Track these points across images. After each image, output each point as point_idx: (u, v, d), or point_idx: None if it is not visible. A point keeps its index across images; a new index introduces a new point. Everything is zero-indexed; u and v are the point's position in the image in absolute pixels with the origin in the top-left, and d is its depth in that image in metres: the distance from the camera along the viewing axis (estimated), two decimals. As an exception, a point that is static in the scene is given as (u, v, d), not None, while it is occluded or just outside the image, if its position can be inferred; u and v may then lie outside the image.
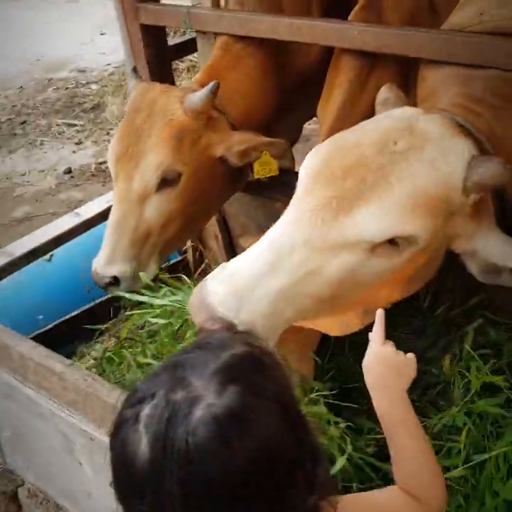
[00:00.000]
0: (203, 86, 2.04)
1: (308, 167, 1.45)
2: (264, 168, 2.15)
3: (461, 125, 1.49)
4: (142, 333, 2.13)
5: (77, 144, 5.55)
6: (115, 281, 2.05)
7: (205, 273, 2.36)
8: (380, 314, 1.33)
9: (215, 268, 1.42)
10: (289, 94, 2.41)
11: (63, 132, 5.78)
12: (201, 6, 2.37)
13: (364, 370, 1.28)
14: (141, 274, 2.03)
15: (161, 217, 2.06)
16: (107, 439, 0.98)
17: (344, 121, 1.96)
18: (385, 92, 1.60)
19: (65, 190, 4.88)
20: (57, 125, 5.89)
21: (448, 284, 2.13)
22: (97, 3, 9.52)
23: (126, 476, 0.93)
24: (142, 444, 0.89)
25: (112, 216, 2.07)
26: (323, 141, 1.59)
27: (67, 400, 1.64)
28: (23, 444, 2.21)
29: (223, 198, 2.35)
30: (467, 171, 1.36)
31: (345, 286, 1.39)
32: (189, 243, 2.96)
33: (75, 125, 5.89)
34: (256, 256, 1.37)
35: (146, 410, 0.90)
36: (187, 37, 2.83)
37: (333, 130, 1.91)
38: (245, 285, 1.33)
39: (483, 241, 1.48)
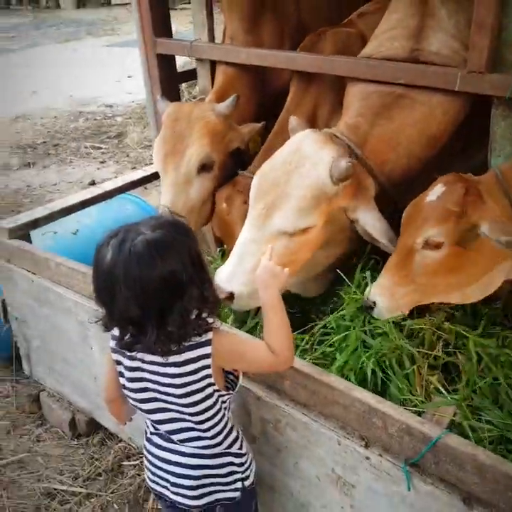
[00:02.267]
0: (217, 101, 2.81)
1: (252, 187, 2.22)
2: (255, 145, 2.89)
3: (337, 136, 2.22)
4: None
5: (101, 162, 6.45)
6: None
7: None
8: (269, 247, 1.87)
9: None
10: (267, 106, 3.22)
11: (90, 153, 6.70)
12: (200, 40, 3.24)
13: (256, 276, 1.78)
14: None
15: (202, 195, 2.71)
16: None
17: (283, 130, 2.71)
18: (291, 122, 2.33)
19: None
20: (85, 147, 6.82)
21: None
22: (127, 50, 10.73)
23: (99, 275, 1.52)
24: (108, 254, 1.50)
25: (163, 198, 2.66)
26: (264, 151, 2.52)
27: (89, 292, 2.34)
28: (46, 353, 2.93)
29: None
30: (330, 170, 2.05)
31: (285, 259, 2.11)
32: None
33: (101, 148, 6.82)
34: (234, 252, 2.16)
35: (112, 241, 1.54)
36: (191, 67, 3.70)
37: (270, 141, 2.73)
38: (231, 269, 2.12)
39: (363, 214, 2.19)
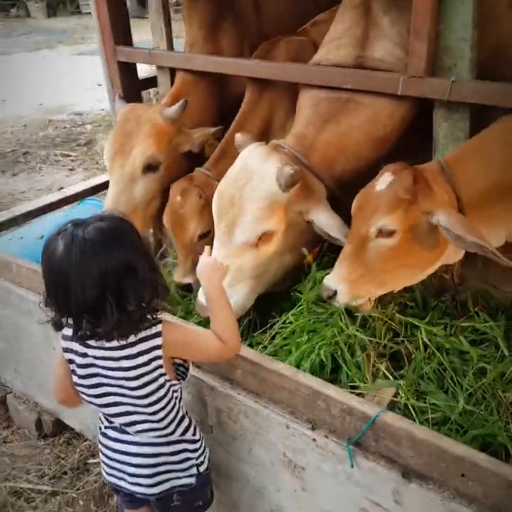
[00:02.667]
0: (172, 105, 2.87)
1: (212, 207, 2.34)
2: (211, 148, 2.98)
3: (282, 146, 2.35)
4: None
5: (70, 170, 6.49)
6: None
7: (162, 256, 3.17)
8: (207, 247, 2.01)
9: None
10: (226, 109, 3.31)
11: (59, 161, 6.72)
12: (158, 48, 3.32)
13: (198, 271, 1.88)
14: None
15: (146, 195, 2.80)
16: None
17: (241, 129, 2.79)
18: (238, 139, 2.44)
19: (58, 205, 5.76)
20: (55, 155, 6.85)
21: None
22: (97, 59, 10.72)
23: (51, 267, 1.55)
24: (60, 245, 1.53)
25: (108, 195, 2.76)
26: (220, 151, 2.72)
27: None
28: (12, 355, 2.97)
29: None
30: (276, 179, 2.18)
31: (258, 268, 2.28)
32: (151, 231, 3.80)
33: (70, 155, 6.85)
34: None
35: (62, 233, 1.58)
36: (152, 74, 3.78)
37: (226, 141, 2.82)
38: None
39: (316, 215, 2.30)
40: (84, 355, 1.72)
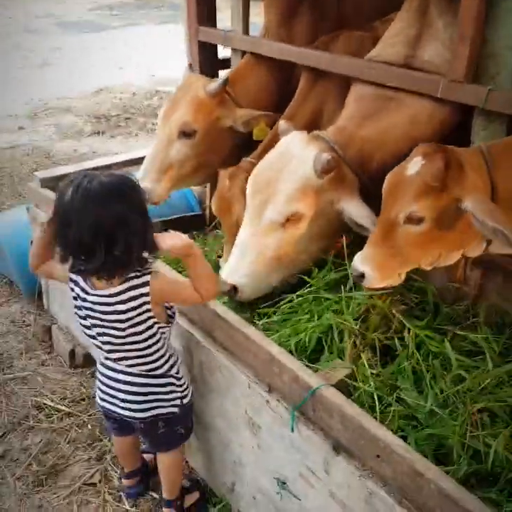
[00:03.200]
0: (232, 81, 3.08)
1: (248, 187, 2.50)
2: (261, 133, 3.20)
3: (321, 136, 2.44)
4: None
5: (162, 138, 6.91)
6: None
7: (215, 226, 3.48)
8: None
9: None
10: (286, 96, 3.47)
11: (154, 130, 7.17)
12: (234, 31, 3.53)
13: (164, 247, 1.93)
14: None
15: (180, 157, 3.04)
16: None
17: (292, 118, 2.97)
18: (282, 126, 2.58)
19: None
20: (153, 123, 7.31)
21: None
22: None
23: (59, 207, 1.81)
24: (69, 191, 1.79)
25: (150, 151, 3.07)
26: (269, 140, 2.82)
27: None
28: (60, 291, 3.36)
29: (227, 158, 3.40)
30: (313, 164, 2.30)
31: (282, 248, 2.42)
32: (208, 202, 4.06)
33: (166, 125, 7.29)
34: (235, 246, 2.48)
35: (73, 182, 1.84)
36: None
37: (275, 130, 2.86)
38: (233, 263, 2.44)
39: (346, 204, 2.42)
40: (84, 299, 2.01)
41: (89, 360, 3.28)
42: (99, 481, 2.62)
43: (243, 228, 2.51)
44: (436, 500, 1.42)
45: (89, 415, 2.97)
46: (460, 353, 2.20)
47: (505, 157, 2.07)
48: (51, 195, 3.16)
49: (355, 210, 2.41)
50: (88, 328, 2.08)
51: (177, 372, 2.16)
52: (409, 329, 2.29)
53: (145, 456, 2.60)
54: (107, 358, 2.15)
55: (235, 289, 2.43)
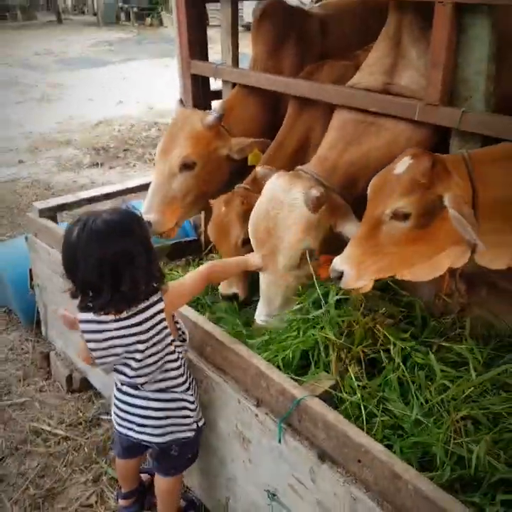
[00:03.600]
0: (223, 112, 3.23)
1: (250, 237, 2.59)
2: (255, 158, 3.30)
3: (305, 171, 2.55)
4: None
5: (160, 168, 7.06)
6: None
7: (211, 251, 3.56)
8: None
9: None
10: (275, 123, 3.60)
11: (153, 160, 7.33)
12: (225, 63, 3.68)
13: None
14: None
15: (182, 189, 3.15)
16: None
17: (281, 144, 3.11)
18: (260, 172, 2.68)
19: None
20: (150, 154, 7.48)
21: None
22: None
23: (67, 248, 1.87)
24: (75, 231, 1.84)
25: (151, 185, 3.16)
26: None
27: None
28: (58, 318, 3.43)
29: (225, 186, 3.51)
30: (305, 203, 2.40)
31: (302, 282, 2.50)
32: (202, 228, 4.16)
33: (163, 156, 7.44)
34: (262, 295, 2.59)
35: (79, 222, 1.91)
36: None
37: (268, 156, 3.07)
38: (264, 309, 2.58)
39: (342, 226, 2.53)
40: (102, 331, 1.99)
41: (86, 385, 3.34)
42: (96, 502, 2.65)
43: (262, 278, 2.60)
44: (414, 501, 1.47)
45: (86, 438, 3.01)
46: (445, 364, 2.26)
47: (487, 165, 2.15)
48: (49, 224, 3.27)
49: (350, 230, 2.49)
50: (107, 356, 2.03)
51: (191, 395, 2.17)
52: (394, 343, 2.37)
53: (141, 475, 2.64)
54: (125, 384, 2.14)
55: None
